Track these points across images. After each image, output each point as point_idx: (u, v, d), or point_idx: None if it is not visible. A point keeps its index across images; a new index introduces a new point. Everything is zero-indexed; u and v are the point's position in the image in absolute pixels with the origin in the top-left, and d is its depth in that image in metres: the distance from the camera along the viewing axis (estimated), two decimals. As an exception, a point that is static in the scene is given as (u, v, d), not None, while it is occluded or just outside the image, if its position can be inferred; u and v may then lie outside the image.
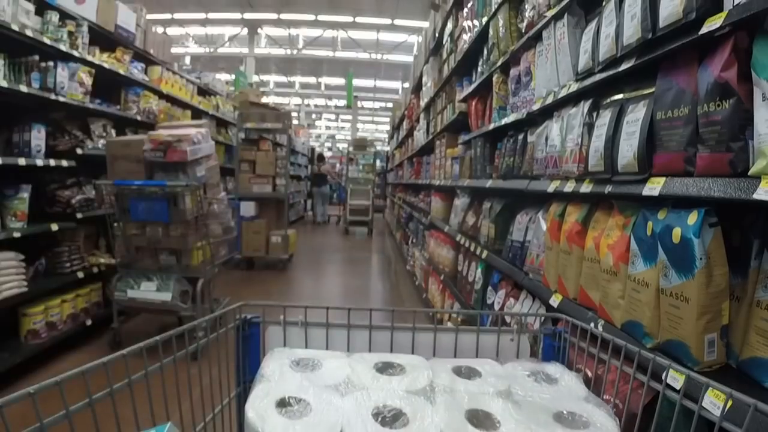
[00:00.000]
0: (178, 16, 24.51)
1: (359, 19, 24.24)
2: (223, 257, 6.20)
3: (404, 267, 10.69)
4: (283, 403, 1.17)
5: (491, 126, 4.03)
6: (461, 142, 5.18)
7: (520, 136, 3.42)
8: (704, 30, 1.66)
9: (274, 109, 10.83)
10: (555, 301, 2.66)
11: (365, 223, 17.00)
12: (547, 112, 3.04)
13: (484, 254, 3.97)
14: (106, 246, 6.30)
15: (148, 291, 5.37)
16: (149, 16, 7.96)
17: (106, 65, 6.22)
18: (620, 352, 1.33)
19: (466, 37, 5.22)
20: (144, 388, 1.17)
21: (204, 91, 10.32)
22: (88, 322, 5.75)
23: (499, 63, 3.94)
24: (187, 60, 25.78)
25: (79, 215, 5.62)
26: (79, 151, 5.62)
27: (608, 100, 2.35)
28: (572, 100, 2.74)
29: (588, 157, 2.38)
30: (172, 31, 26.20)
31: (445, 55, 6.50)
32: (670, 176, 1.84)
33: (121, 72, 6.57)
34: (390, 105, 37.17)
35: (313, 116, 43.37)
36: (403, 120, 14.10)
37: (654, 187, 1.89)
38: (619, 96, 2.27)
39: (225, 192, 6.24)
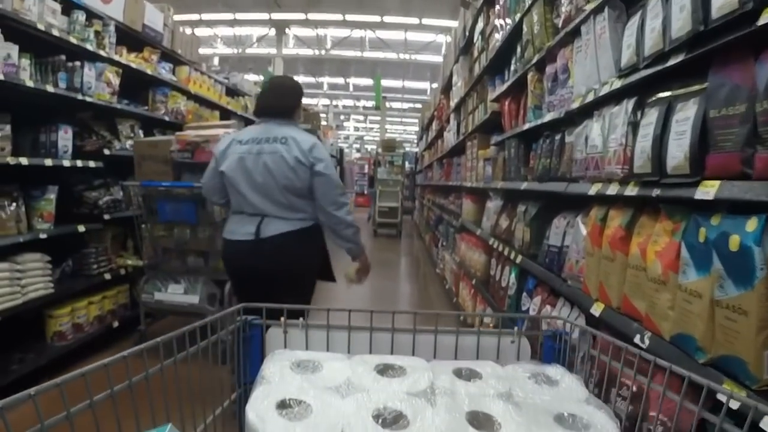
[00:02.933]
0: (206, 16, 24.63)
1: (387, 19, 24.11)
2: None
3: (433, 270, 10.56)
4: (283, 405, 1.17)
5: (526, 126, 3.89)
6: (494, 143, 5.04)
7: (557, 137, 3.28)
8: (762, 21, 1.53)
9: (303, 109, 10.75)
10: (596, 309, 2.51)
11: (394, 225, 16.88)
12: (586, 111, 2.89)
13: (519, 259, 3.82)
14: (133, 247, 6.24)
15: (175, 294, 5.31)
16: (177, 17, 7.92)
17: (133, 65, 6.17)
18: (621, 353, 1.32)
19: (497, 34, 5.08)
20: (145, 389, 1.17)
21: (232, 92, 10.25)
22: (115, 324, 5.71)
23: (533, 60, 3.80)
24: (216, 61, 25.80)
25: (106, 216, 5.57)
26: (106, 151, 5.57)
27: (654, 98, 2.20)
28: (614, 97, 2.58)
29: (633, 158, 2.24)
30: (201, 32, 26.22)
31: (476, 54, 6.36)
32: (725, 179, 1.70)
33: (149, 72, 6.51)
34: (419, 106, 37.05)
35: (342, 117, 43.30)
36: (432, 121, 13.96)
37: (708, 190, 1.75)
38: (667, 93, 2.12)
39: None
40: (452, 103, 8.73)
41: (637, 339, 2.10)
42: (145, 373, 1.19)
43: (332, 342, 1.57)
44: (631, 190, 2.25)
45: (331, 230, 3.64)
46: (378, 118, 36.53)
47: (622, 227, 2.36)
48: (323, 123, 25.99)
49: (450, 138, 8.89)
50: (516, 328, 1.60)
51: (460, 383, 1.32)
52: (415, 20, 24.01)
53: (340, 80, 34.45)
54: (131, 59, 6.26)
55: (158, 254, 5.57)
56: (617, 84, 2.49)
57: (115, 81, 5.77)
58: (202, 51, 21.29)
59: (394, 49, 27.43)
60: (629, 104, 2.38)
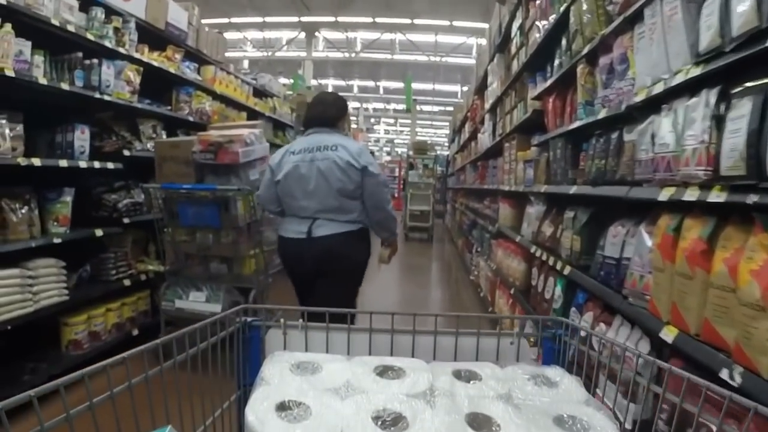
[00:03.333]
0: (235, 20, 24.65)
1: (417, 21, 23.93)
2: (278, 266, 5.82)
3: (467, 277, 10.21)
4: (283, 407, 1.17)
5: (576, 124, 3.53)
6: (535, 143, 4.70)
7: (614, 135, 2.92)
8: None
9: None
10: (668, 334, 2.15)
11: (425, 229, 16.51)
12: (650, 106, 2.55)
13: (567, 270, 3.48)
14: (156, 252, 6.00)
15: (196, 302, 5.04)
16: (205, 21, 7.73)
17: (155, 63, 5.93)
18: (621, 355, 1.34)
19: (539, 26, 4.73)
20: (144, 391, 1.17)
21: (260, 93, 10.03)
22: (134, 332, 5.48)
23: (584, 51, 3.44)
24: (245, 64, 25.86)
25: (125, 220, 5.33)
26: (126, 152, 5.33)
27: (744, 87, 1.86)
28: (688, 88, 2.23)
29: (720, 158, 1.89)
30: (230, 35, 26.28)
31: (513, 51, 6.02)
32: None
33: (172, 71, 6.28)
34: (449, 108, 36.86)
35: (372, 120, 43.09)
36: (465, 123, 13.61)
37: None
38: (763, 81, 1.78)
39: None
40: (487, 104, 8.38)
41: (724, 374, 1.76)
42: (145, 375, 1.20)
43: (332, 343, 1.57)
44: (718, 196, 1.88)
45: (377, 223, 4.04)
46: (408, 120, 36.28)
47: (703, 239, 2.00)
48: (353, 126, 25.92)
49: (485, 140, 8.54)
50: (516, 330, 1.67)
51: (459, 385, 1.33)
52: (445, 22, 23.89)
53: (370, 83, 34.51)
54: (153, 58, 6.02)
55: (180, 260, 5.33)
56: (695, 71, 2.13)
57: (136, 80, 5.53)
58: (231, 54, 21.27)
59: (425, 51, 27.14)
60: (711, 95, 2.02)
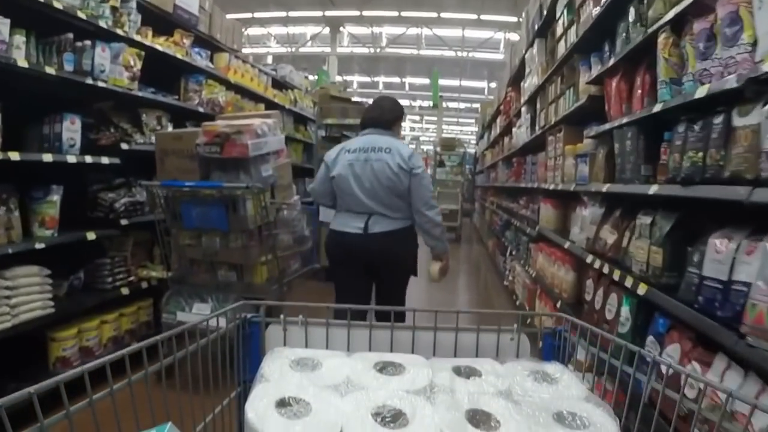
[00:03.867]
0: (258, 15, 24.28)
1: (444, 15, 23.38)
2: (295, 272, 5.22)
3: (499, 281, 9.54)
4: (282, 403, 1.16)
5: (657, 107, 2.85)
6: (591, 135, 4.03)
7: (717, 120, 2.25)
8: None
9: (356, 103, 9.82)
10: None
11: (453, 229, 15.80)
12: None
13: (641, 288, 2.83)
14: (161, 257, 5.44)
15: (200, 314, 4.44)
16: (229, 16, 7.19)
17: (159, 48, 5.36)
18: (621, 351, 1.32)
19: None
20: (144, 388, 1.18)
21: (280, 85, 9.45)
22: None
23: (667, 17, 2.77)
24: (269, 59, 25.34)
25: (124, 221, 4.77)
26: (124, 146, 4.79)
27: None
28: None
29: None
30: (254, 31, 26.14)
31: (560, 32, 5.35)
32: None
33: (179, 56, 5.70)
34: (476, 105, 36.30)
35: (398, 117, 42.31)
36: (496, 117, 12.91)
37: None
38: None
39: (299, 195, 5.28)
40: (524, 96, 7.70)
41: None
42: (145, 372, 1.22)
43: (331, 339, 1.57)
44: None
45: (421, 229, 4.15)
46: (434, 117, 35.60)
47: None
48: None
49: (521, 134, 7.87)
50: (515, 326, 1.60)
51: (459, 381, 1.32)
52: (473, 16, 23.23)
53: (395, 79, 33.74)
54: (158, 42, 5.46)
55: (184, 266, 4.75)
56: None
57: (136, 65, 4.96)
58: (256, 50, 20.96)
59: (451, 46, 26.54)
60: None
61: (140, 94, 5.08)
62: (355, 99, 10.28)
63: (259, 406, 1.14)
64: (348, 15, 24.28)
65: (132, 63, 4.93)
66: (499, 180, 11.54)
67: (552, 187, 5.25)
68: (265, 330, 1.57)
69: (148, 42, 5.19)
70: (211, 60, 6.77)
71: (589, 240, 3.91)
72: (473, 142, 32.61)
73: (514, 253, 8.22)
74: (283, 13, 24.30)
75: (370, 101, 4.86)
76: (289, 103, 9.37)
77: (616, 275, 3.21)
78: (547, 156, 5.56)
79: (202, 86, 6.18)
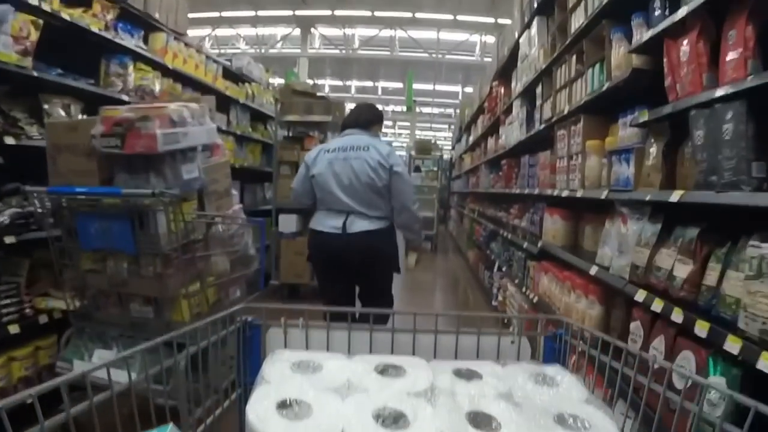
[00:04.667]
0: (226, 14, 23.18)
1: (419, 15, 22.53)
2: (237, 302, 4.04)
3: (485, 300, 8.42)
4: (283, 406, 1.17)
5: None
6: (638, 122, 2.92)
7: None
8: None
9: (322, 98, 8.66)
10: None
11: (429, 238, 14.66)
12: None
13: (739, 349, 1.75)
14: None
15: (102, 362, 3.26)
16: (195, 15, 6.08)
17: (65, 16, 4.18)
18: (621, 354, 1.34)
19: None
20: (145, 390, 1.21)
21: (236, 77, 8.26)
22: (29, 401, 3.70)
23: None
24: (238, 60, 24.15)
25: (9, 239, 3.61)
26: (9, 140, 3.61)
27: None
28: None
29: None
30: (222, 31, 25.05)
31: (571, 3, 4.25)
32: None
33: (95, 30, 4.51)
34: (449, 111, 35.66)
35: (370, 122, 41.35)
36: (477, 117, 11.80)
37: None
38: None
39: (241, 204, 4.13)
40: (516, 88, 6.62)
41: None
42: (145, 374, 1.26)
43: (332, 342, 1.59)
44: None
45: (402, 224, 4.27)
46: (407, 123, 34.61)
47: None
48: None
49: (512, 132, 6.74)
50: (516, 329, 1.63)
51: (460, 383, 1.34)
52: (449, 17, 22.43)
53: (368, 83, 33.08)
54: (69, 12, 4.28)
55: (89, 298, 3.58)
56: None
57: (31, 36, 3.80)
58: (224, 51, 19.88)
59: (426, 49, 25.74)
60: None
61: (35, 73, 3.91)
62: (321, 94, 9.07)
63: (260, 408, 1.15)
64: (319, 14, 23.36)
65: (24, 33, 3.78)
66: (481, 185, 10.42)
67: (566, 193, 4.14)
68: (265, 333, 1.58)
69: (47, 7, 4.01)
70: (146, 41, 5.60)
71: (637, 269, 2.79)
72: (447, 147, 31.79)
73: (504, 269, 7.11)
74: (252, 13, 23.22)
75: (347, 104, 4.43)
76: (244, 97, 8.19)
77: (701, 329, 2.10)
78: (556, 155, 4.46)
79: (128, 69, 4.98)
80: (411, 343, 1.59)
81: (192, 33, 8.68)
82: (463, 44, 24.98)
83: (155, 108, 3.06)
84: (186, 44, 6.28)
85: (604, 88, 3.42)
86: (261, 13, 23.22)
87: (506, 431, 1.14)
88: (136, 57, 5.18)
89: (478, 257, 10.31)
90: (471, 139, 13.06)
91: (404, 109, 27.19)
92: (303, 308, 1.62)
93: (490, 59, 11.26)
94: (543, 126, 5.05)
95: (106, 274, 3.38)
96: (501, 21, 18.95)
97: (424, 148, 16.21)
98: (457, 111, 33.15)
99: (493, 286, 7.83)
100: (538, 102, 5.39)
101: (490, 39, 22.82)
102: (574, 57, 4.19)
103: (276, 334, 1.58)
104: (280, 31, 26.34)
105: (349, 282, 4.29)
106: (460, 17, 22.14)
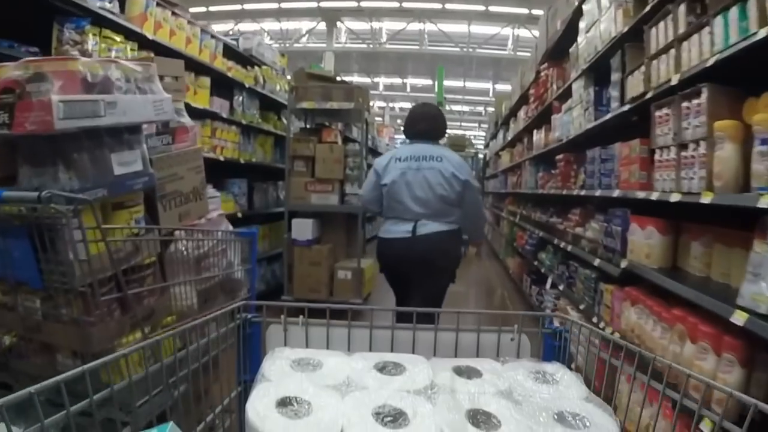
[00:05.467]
0: (249, 6, 22.23)
1: (449, 6, 21.38)
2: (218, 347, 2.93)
3: (533, 323, 7.16)
4: (283, 403, 1.16)
5: None
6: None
7: None
8: None
9: (343, 83, 7.54)
10: None
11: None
12: None
13: None
14: None
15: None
16: (217, 7, 5.03)
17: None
18: (621, 351, 1.33)
19: None
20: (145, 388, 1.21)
21: (243, 59, 7.13)
22: None
23: None
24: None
25: None
26: None
27: None
28: None
29: None
30: (245, 26, 24.04)
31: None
32: None
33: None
34: (479, 109, 34.63)
35: (399, 121, 40.35)
36: (517, 110, 10.59)
37: None
38: None
39: (221, 212, 3.03)
40: (577, 65, 5.45)
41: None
42: (146, 371, 1.21)
43: (332, 340, 1.57)
44: None
45: (472, 227, 4.55)
46: (437, 121, 33.52)
47: None
48: (377, 119, 23.29)
49: (571, 121, 5.57)
50: (516, 326, 1.60)
51: (460, 381, 1.33)
52: (480, 7, 21.16)
53: (397, 80, 31.95)
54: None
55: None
56: None
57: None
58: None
59: (456, 42, 24.54)
60: None
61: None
62: (342, 78, 7.96)
63: (259, 405, 1.13)
64: (345, 6, 22.35)
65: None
66: (524, 185, 9.24)
67: (677, 198, 2.95)
68: (265, 330, 1.57)
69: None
70: (122, 7, 4.52)
71: None
72: (479, 145, 30.68)
73: (561, 287, 5.92)
74: (275, 5, 22.28)
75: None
76: (253, 81, 7.07)
77: None
78: (655, 144, 3.28)
79: (87, 36, 3.87)
80: (411, 340, 1.55)
81: (216, 28, 7.65)
82: (495, 38, 23.76)
83: (56, 61, 1.94)
84: (174, 13, 5.15)
85: (753, 40, 2.24)
86: (284, 5, 22.35)
87: (506, 429, 1.12)
88: (101, 21, 4.07)
89: (520, 267, 9.11)
90: (509, 134, 11.88)
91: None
92: (303, 305, 1.57)
93: (525, 53, 10.31)
94: (627, 107, 3.86)
95: (17, 314, 2.30)
96: (535, 12, 17.81)
97: (459, 144, 14.75)
98: (488, 109, 32.24)
99: (543, 305, 6.63)
100: (615, 77, 4.21)
101: (524, 32, 21.74)
102: (683, 6, 3.01)
103: (276, 331, 1.55)
104: (304, 25, 25.43)
105: (416, 285, 4.23)
106: (492, 8, 20.99)
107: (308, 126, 7.75)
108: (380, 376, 1.32)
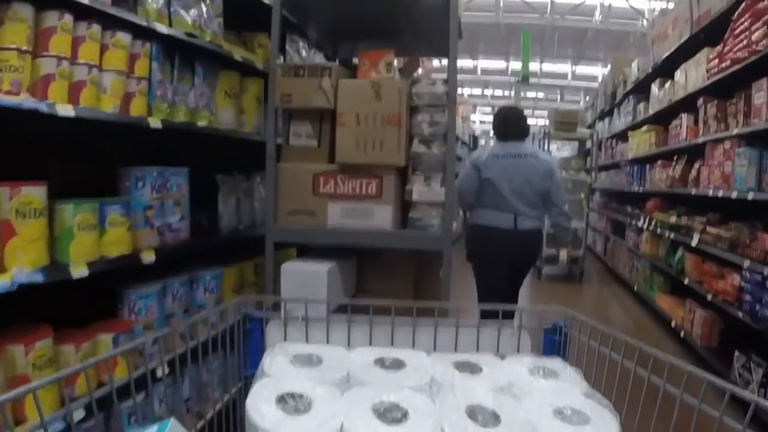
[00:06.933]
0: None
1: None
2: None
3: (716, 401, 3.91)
4: (283, 399, 1.16)
5: None
6: None
7: None
8: None
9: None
10: None
11: (575, 260, 9.58)
12: None
13: None
14: None
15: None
16: None
17: None
18: (621, 347, 1.33)
19: None
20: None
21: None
22: None
23: None
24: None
25: None
26: None
27: None
28: None
29: None
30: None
31: None
32: None
33: None
34: (553, 95, 32.77)
35: (470, 108, 36.79)
36: (677, 64, 6.68)
37: None
38: None
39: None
40: None
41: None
42: (146, 368, 1.23)
43: (332, 335, 1.57)
44: None
45: (556, 219, 4.79)
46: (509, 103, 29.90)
47: None
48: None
49: None
50: (516, 321, 1.58)
51: (459, 376, 1.32)
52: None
53: (468, 63, 28.57)
54: None
55: None
56: None
57: None
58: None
59: (539, 11, 21.51)
60: None
61: None
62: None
63: (259, 401, 1.13)
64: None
65: None
66: (669, 183, 6.27)
67: None
68: (265, 326, 1.57)
69: None
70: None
71: None
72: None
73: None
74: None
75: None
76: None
77: None
78: None
79: None
80: (411, 336, 1.54)
81: None
82: (580, 8, 20.45)
83: None
84: None
85: None
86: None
87: (506, 424, 1.12)
88: None
89: (710, 323, 5.31)
90: (639, 112, 8.43)
91: (516, 80, 22.69)
92: (302, 299, 1.56)
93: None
94: None
95: None
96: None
97: (570, 121, 10.11)
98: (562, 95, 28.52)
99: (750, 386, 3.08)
100: None
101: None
102: None
103: (276, 326, 1.55)
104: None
105: (510, 278, 4.49)
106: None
107: (318, 53, 4.23)
108: (380, 371, 1.32)
